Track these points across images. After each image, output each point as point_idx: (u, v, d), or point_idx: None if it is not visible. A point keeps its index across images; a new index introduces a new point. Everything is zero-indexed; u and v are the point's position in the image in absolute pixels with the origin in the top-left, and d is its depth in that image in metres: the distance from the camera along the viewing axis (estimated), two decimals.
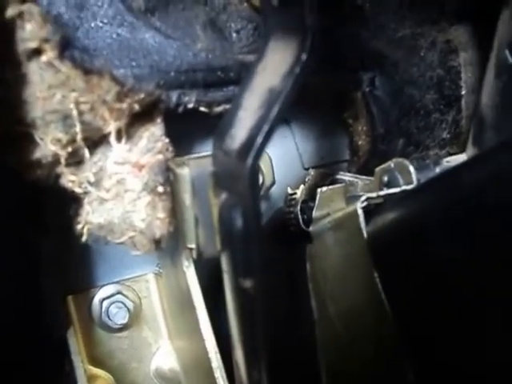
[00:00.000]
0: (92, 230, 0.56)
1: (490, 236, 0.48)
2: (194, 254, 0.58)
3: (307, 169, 0.80)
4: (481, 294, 0.50)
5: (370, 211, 0.62)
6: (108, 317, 0.72)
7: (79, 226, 0.57)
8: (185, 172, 0.55)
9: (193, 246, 0.57)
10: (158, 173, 0.56)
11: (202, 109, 0.64)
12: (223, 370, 0.59)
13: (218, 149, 0.51)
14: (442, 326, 0.56)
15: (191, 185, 0.55)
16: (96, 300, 0.73)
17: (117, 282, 0.74)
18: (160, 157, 0.57)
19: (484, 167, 0.49)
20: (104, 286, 0.73)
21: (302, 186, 0.73)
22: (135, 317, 0.74)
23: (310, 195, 0.73)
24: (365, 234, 0.60)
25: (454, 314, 0.54)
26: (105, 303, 0.72)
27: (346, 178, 0.75)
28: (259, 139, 0.47)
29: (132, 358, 0.75)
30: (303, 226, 0.71)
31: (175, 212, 0.57)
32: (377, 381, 0.66)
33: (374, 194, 0.61)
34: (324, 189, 0.71)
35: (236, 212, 0.50)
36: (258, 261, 0.51)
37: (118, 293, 0.73)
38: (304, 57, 0.46)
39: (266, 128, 0.47)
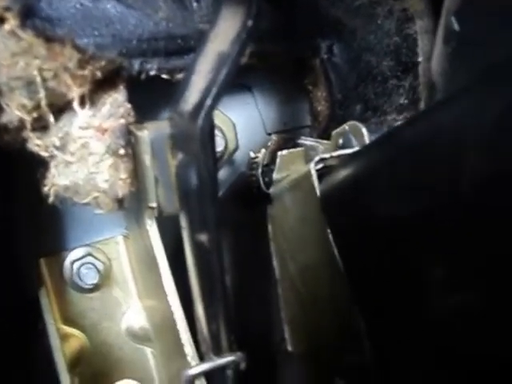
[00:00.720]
0: (58, 191, 0.59)
1: (431, 190, 0.51)
2: (156, 213, 0.61)
3: (270, 134, 0.83)
4: (424, 250, 0.53)
5: (325, 172, 0.65)
6: (79, 278, 0.75)
7: (46, 188, 0.60)
8: (144, 134, 0.58)
9: (154, 204, 0.60)
10: (119, 136, 0.59)
11: (164, 76, 0.67)
12: (185, 322, 0.63)
13: (174, 112, 0.54)
14: (388, 282, 0.59)
15: (150, 147, 0.57)
16: (67, 262, 0.76)
17: (87, 245, 0.77)
18: (122, 121, 0.60)
19: (424, 123, 0.52)
20: (75, 248, 0.76)
21: (263, 150, 0.76)
22: (105, 278, 0.77)
23: (272, 159, 0.76)
24: (318, 193, 0.63)
25: (398, 270, 0.57)
26: (75, 265, 0.75)
27: (308, 143, 0.78)
28: (209, 101, 0.50)
29: (103, 317, 0.78)
30: (264, 188, 0.75)
31: (137, 173, 0.60)
32: (334, 334, 0.70)
33: (327, 155, 0.64)
34: (284, 152, 0.74)
35: (191, 171, 0.53)
36: (212, 216, 0.54)
37: (89, 254, 0.76)
38: (250, 23, 0.49)
39: (215, 90, 0.50)
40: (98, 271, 0.76)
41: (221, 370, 0.60)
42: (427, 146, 0.51)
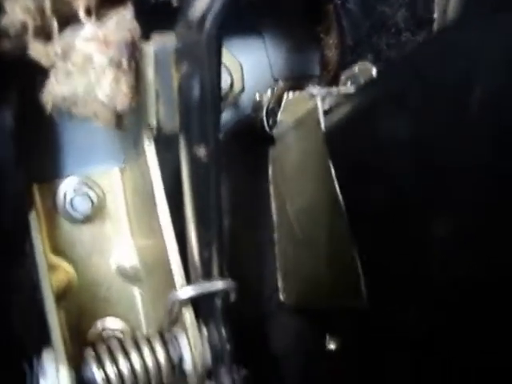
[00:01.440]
0: (57, 101, 0.58)
1: (439, 114, 0.50)
2: (155, 131, 0.59)
3: (277, 80, 0.82)
4: (426, 183, 0.52)
5: (331, 108, 0.64)
6: (71, 206, 0.73)
7: (45, 97, 0.58)
8: (149, 47, 0.56)
9: (153, 122, 0.58)
10: (123, 49, 0.57)
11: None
12: (178, 255, 0.60)
13: (181, 24, 0.53)
14: (388, 221, 0.58)
15: (154, 59, 0.56)
16: (61, 190, 0.74)
17: (82, 175, 0.75)
18: (128, 36, 0.58)
19: (434, 45, 0.50)
20: (69, 177, 0.75)
21: (269, 91, 0.75)
22: (98, 210, 0.75)
23: (278, 103, 0.75)
24: (323, 127, 0.62)
25: (398, 206, 0.55)
26: (69, 193, 0.73)
27: (315, 91, 0.77)
28: (217, 6, 0.48)
29: (93, 252, 0.76)
30: (268, 129, 0.73)
31: (139, 90, 0.58)
32: (329, 279, 0.68)
33: (334, 90, 0.63)
34: (291, 95, 0.73)
35: (194, 80, 0.52)
36: (212, 129, 0.53)
37: (83, 184, 0.74)
38: None
39: None
40: (92, 202, 0.74)
41: (210, 297, 0.58)
42: (437, 68, 0.49)
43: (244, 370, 0.59)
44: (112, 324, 0.76)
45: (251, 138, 0.77)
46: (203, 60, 0.50)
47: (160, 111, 0.57)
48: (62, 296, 0.74)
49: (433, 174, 0.51)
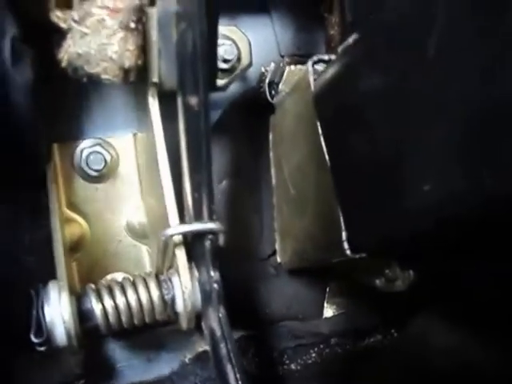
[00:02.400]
0: (71, 58, 0.64)
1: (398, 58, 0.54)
2: (157, 88, 0.65)
3: (283, 56, 0.87)
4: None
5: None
6: (86, 164, 0.80)
7: (61, 55, 0.65)
8: (153, 11, 0.62)
9: (156, 79, 0.64)
10: (132, 13, 0.64)
11: None
12: (173, 196, 0.65)
13: None
14: (367, 172, 0.61)
15: (157, 22, 0.62)
16: (78, 150, 0.81)
17: (98, 138, 0.82)
18: (135, 1, 0.65)
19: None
20: (86, 139, 0.81)
21: (272, 64, 0.80)
22: (111, 170, 0.82)
23: (281, 76, 0.80)
24: (312, 88, 0.66)
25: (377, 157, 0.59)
26: (85, 152, 0.80)
27: (319, 68, 0.81)
28: None
29: (106, 209, 0.83)
30: (270, 98, 0.78)
31: (146, 50, 0.65)
32: (316, 234, 0.72)
33: (325, 57, 0.68)
34: (292, 67, 0.78)
35: (188, 37, 0.58)
36: (203, 80, 0.58)
37: (98, 145, 0.80)
38: None
39: None
40: (105, 160, 0.80)
41: (200, 238, 0.63)
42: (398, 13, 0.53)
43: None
44: (120, 278, 0.82)
45: (255, 109, 0.82)
46: (195, 20, 0.57)
47: (162, 67, 0.63)
48: (74, 247, 0.80)
49: (405, 123, 0.54)
